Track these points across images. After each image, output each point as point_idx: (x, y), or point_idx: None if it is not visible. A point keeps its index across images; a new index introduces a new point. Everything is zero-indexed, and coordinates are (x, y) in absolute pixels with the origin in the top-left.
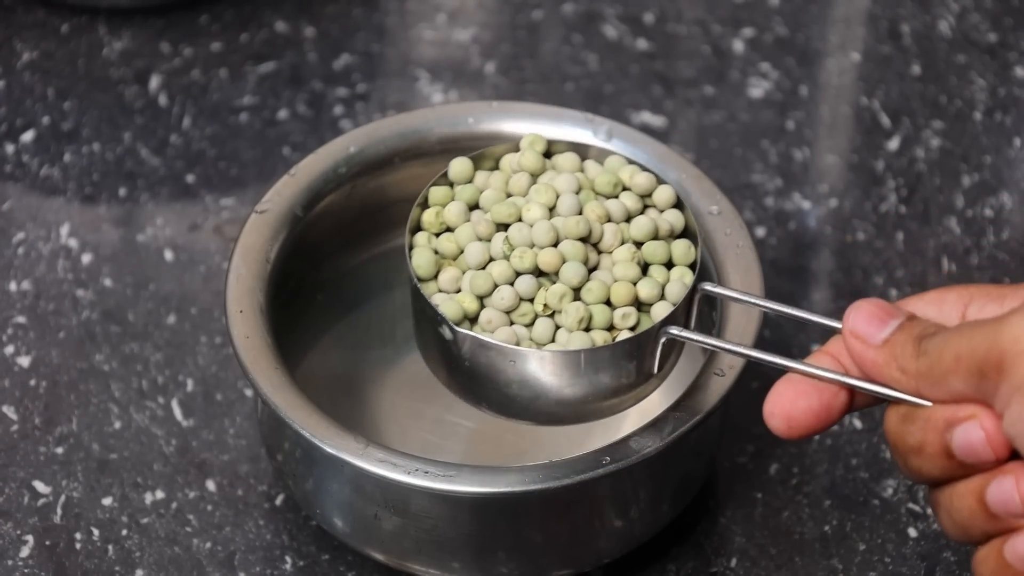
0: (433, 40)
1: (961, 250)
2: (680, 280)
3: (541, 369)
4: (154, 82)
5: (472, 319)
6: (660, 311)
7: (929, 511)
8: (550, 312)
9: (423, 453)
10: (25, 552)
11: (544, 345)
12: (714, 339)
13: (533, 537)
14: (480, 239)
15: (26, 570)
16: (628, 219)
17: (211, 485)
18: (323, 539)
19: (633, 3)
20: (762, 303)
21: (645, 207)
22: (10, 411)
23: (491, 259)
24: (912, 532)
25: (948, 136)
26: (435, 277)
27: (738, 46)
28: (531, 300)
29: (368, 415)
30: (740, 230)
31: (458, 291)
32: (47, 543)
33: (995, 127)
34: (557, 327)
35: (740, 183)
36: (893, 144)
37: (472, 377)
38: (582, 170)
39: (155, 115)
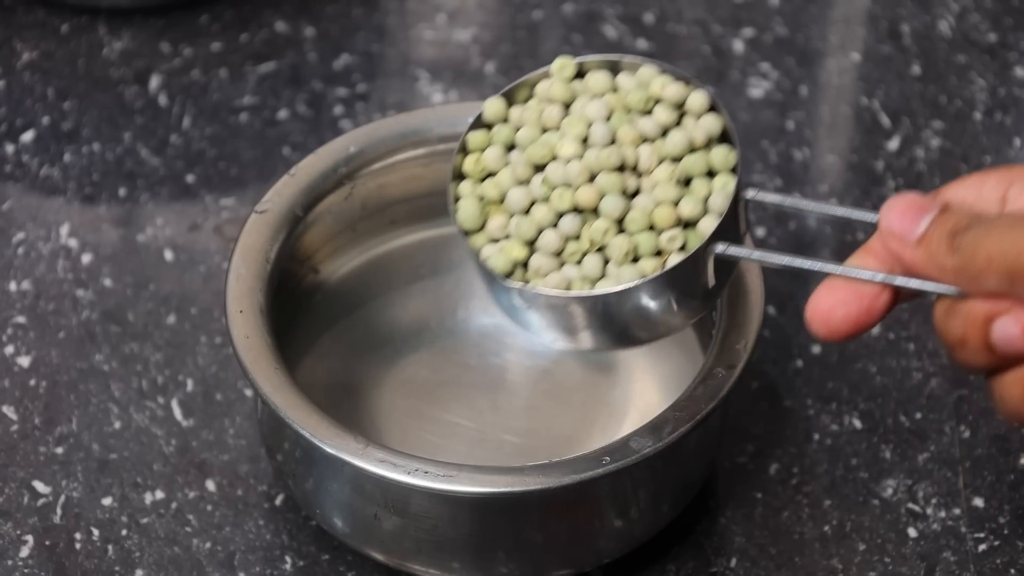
0: (433, 40)
1: None
2: (723, 190)
3: (593, 311)
4: (154, 82)
5: (525, 265)
6: (707, 225)
7: (928, 511)
8: (597, 247)
9: (423, 453)
10: (25, 552)
11: (596, 281)
12: (761, 252)
13: (533, 537)
14: (520, 183)
15: (26, 570)
16: (664, 133)
17: (211, 485)
18: (323, 539)
19: (633, 3)
20: (806, 205)
21: (681, 115)
22: (10, 411)
23: (534, 202)
24: (912, 532)
25: (948, 136)
26: (482, 226)
27: (738, 46)
28: (578, 238)
29: (368, 415)
30: None
31: (508, 237)
32: (47, 543)
33: (995, 127)
34: (607, 260)
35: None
36: (893, 144)
37: (536, 320)
38: (615, 88)
39: (155, 115)
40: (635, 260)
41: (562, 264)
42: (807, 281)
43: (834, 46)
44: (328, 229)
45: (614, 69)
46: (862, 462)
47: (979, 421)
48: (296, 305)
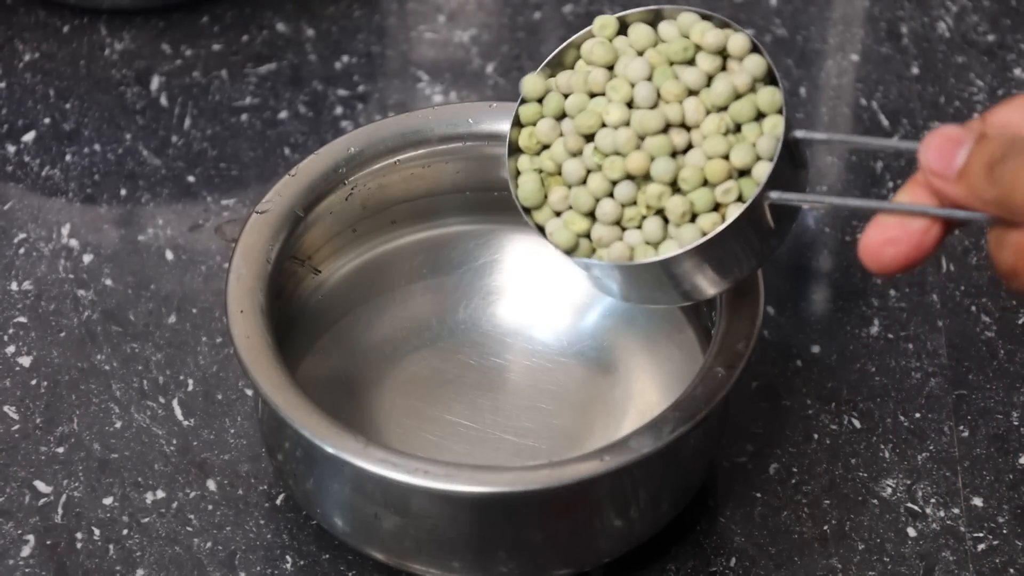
0: (433, 41)
1: (960, 250)
2: (772, 133)
3: (661, 274)
4: (155, 83)
5: (588, 235)
6: (761, 172)
7: (928, 511)
8: (656, 211)
9: (423, 453)
10: (26, 552)
11: (658, 244)
12: (814, 196)
13: (533, 537)
14: (573, 154)
15: (27, 570)
16: (708, 82)
17: (212, 485)
18: (323, 539)
19: (632, 3)
20: (855, 140)
21: (724, 60)
22: (11, 411)
23: (589, 171)
24: (911, 532)
25: None
26: (544, 201)
27: None
28: (635, 203)
29: (368, 415)
30: None
31: (569, 208)
32: (48, 543)
33: None
34: (667, 221)
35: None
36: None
37: (611, 287)
38: (656, 41)
39: (156, 116)
40: (694, 218)
41: (623, 231)
42: (807, 281)
43: (833, 47)
44: (328, 229)
45: (656, 20)
46: (861, 462)
47: (978, 421)
48: (296, 305)
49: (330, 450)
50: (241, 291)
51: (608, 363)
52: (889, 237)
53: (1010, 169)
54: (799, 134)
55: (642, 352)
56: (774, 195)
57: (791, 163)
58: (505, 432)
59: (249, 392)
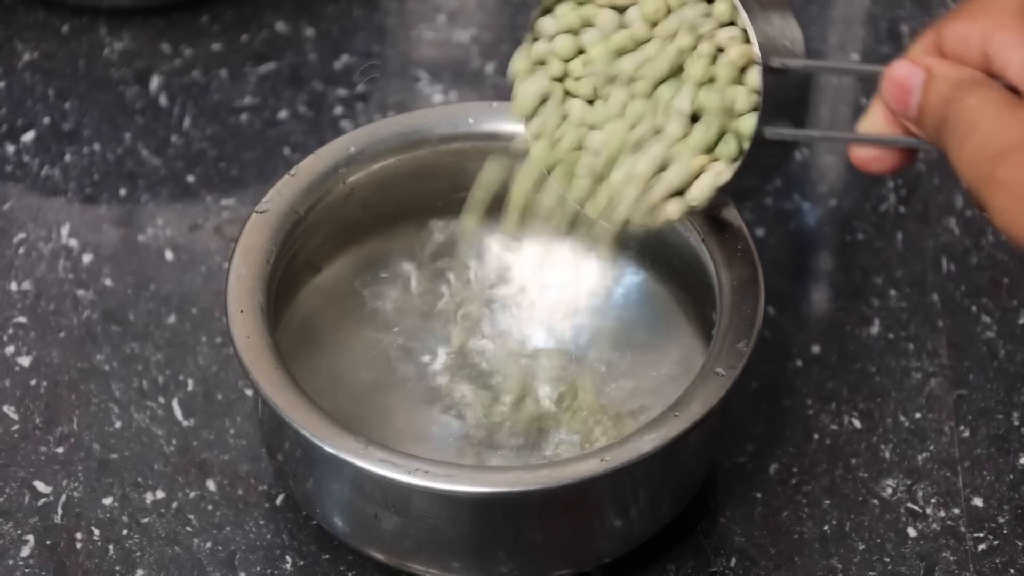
0: (433, 40)
1: (960, 250)
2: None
3: None
4: (155, 82)
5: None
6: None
7: (928, 511)
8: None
9: (423, 453)
10: (26, 552)
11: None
12: (807, 131)
13: (533, 537)
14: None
15: (27, 570)
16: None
17: (211, 485)
18: (323, 539)
19: None
20: (829, 64)
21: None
22: (11, 411)
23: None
24: (911, 532)
25: None
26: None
27: None
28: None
29: (368, 415)
30: (740, 231)
31: None
32: (48, 543)
33: None
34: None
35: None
36: None
37: None
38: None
39: (156, 115)
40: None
41: None
42: (807, 281)
43: (834, 46)
44: (328, 229)
45: None
46: (861, 462)
47: (978, 421)
48: (296, 305)
49: (330, 450)
50: (241, 291)
51: (607, 362)
52: (874, 156)
53: (963, 119)
54: (775, 63)
55: (642, 352)
56: (768, 132)
57: (781, 93)
58: (506, 431)
59: (249, 392)
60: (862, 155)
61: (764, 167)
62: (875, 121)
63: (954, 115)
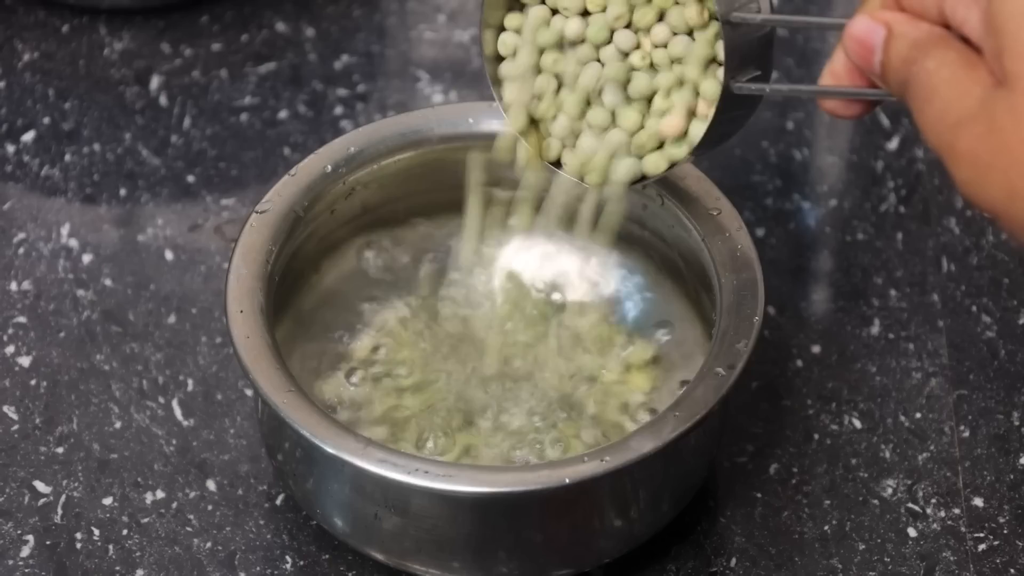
0: (433, 40)
1: (960, 250)
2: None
3: None
4: (155, 82)
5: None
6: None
7: (929, 511)
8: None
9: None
10: (26, 552)
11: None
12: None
13: (533, 537)
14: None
15: (27, 570)
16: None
17: (211, 485)
18: (323, 539)
19: None
20: (787, 19)
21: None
22: (11, 411)
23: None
24: (912, 532)
25: None
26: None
27: None
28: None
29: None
30: (740, 231)
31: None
32: (48, 543)
33: None
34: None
35: (740, 183)
36: (892, 144)
37: None
38: None
39: (155, 115)
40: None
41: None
42: (807, 281)
43: (833, 46)
44: (328, 229)
45: None
46: (862, 462)
47: (979, 421)
48: (296, 305)
49: (330, 450)
50: (241, 291)
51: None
52: (843, 103)
53: (923, 78)
54: (736, 16)
55: (642, 351)
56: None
57: (748, 48)
58: (505, 431)
59: (249, 392)
60: (830, 104)
61: (732, 120)
62: (839, 70)
63: (914, 78)
